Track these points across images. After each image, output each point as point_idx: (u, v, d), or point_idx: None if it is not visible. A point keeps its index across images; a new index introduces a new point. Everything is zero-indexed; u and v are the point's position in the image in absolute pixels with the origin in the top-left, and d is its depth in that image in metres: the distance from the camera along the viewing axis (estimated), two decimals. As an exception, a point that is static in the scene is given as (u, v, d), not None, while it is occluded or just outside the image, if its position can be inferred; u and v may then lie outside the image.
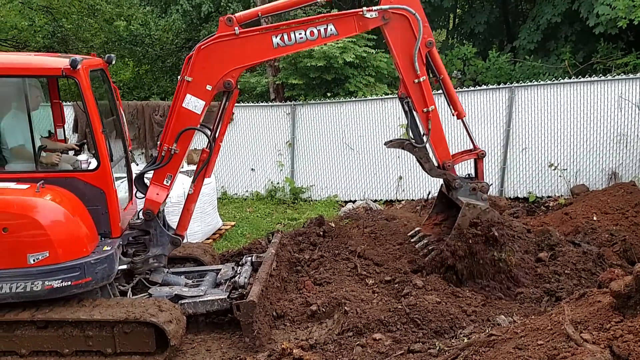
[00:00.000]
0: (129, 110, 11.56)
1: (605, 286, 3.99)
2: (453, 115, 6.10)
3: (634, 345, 3.21)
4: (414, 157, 6.24)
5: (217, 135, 5.67)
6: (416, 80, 5.80)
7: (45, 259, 4.74)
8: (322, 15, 5.69)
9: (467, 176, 6.35)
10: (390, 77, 12.76)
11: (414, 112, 6.00)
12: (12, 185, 4.90)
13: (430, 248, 6.33)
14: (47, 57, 5.61)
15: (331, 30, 5.49)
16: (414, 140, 6.08)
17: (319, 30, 5.46)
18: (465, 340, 4.54)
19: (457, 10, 19.25)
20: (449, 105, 6.11)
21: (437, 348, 4.54)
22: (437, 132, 6.02)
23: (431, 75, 6.02)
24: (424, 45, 5.71)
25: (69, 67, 4.80)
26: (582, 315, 3.78)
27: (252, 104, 11.69)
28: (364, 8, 5.55)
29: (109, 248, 5.10)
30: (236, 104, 11.56)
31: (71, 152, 5.90)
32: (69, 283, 4.81)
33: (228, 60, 5.32)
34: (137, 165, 10.40)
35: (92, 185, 5.12)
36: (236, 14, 5.39)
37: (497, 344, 3.92)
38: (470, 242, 5.77)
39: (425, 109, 5.90)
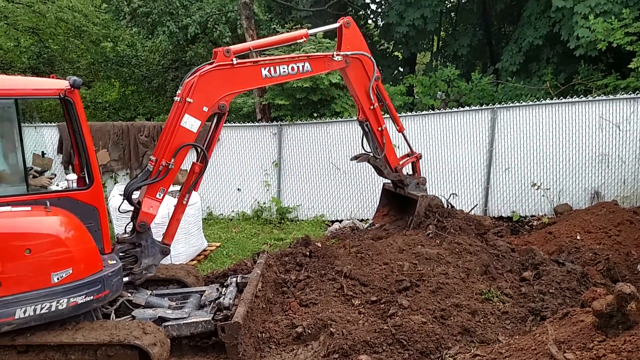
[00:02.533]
0: (114, 131, 11.53)
1: (588, 305, 4.03)
2: (398, 131, 8.29)
3: (617, 364, 3.23)
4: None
5: (207, 152, 6.21)
6: (371, 107, 7.66)
7: (68, 276, 4.77)
8: (302, 55, 7.22)
9: (406, 174, 8.33)
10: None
11: (371, 133, 7.84)
12: (11, 208, 4.81)
13: (383, 229, 8.46)
14: (39, 79, 5.63)
15: (307, 67, 6.87)
16: (373, 154, 8.00)
17: (297, 67, 6.78)
18: (451, 361, 4.54)
19: (441, 33, 19.57)
20: (393, 122, 8.25)
21: (423, 369, 4.53)
22: (388, 144, 8.01)
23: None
24: (374, 80, 7.53)
25: (70, 87, 4.95)
26: (566, 334, 3.81)
27: (238, 124, 11.71)
28: (334, 52, 7.20)
29: (115, 262, 5.25)
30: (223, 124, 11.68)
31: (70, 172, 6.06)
32: (92, 297, 4.89)
33: (224, 86, 6.11)
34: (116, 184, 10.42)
35: (85, 204, 5.19)
36: (232, 47, 6.22)
37: (482, 364, 3.93)
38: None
39: (379, 128, 7.82)
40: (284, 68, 6.62)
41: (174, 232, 6.15)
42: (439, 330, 5.31)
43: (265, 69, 6.46)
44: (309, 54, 7.11)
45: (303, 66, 6.81)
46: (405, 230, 7.76)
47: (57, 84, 5.13)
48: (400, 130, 8.20)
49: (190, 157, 6.50)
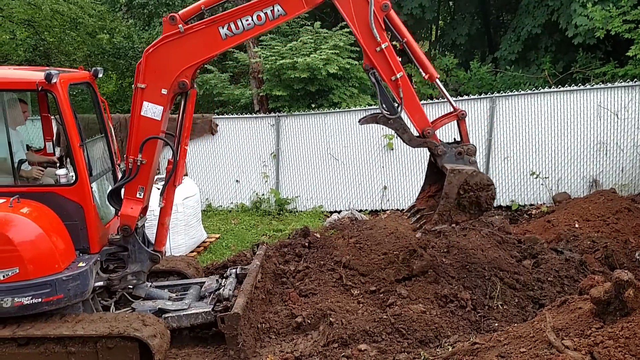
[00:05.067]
0: (111, 124, 11.48)
1: (586, 293, 4.04)
2: (424, 78, 5.67)
3: (615, 351, 3.25)
4: (398, 165, 6.14)
5: (181, 138, 5.52)
6: (378, 49, 5.31)
7: (14, 275, 4.67)
8: None
9: (453, 141, 5.90)
10: (373, 88, 12.84)
11: (381, 82, 5.53)
12: None
13: (422, 222, 5.94)
14: (24, 70, 5.55)
15: (278, 10, 5.14)
16: (387, 112, 5.57)
17: (265, 13, 5.13)
18: (450, 349, 4.56)
19: (439, 22, 19.48)
20: (419, 68, 5.62)
21: (422, 358, 4.56)
22: (410, 99, 5.49)
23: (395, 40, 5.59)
24: (379, 9, 5.22)
25: (44, 80, 4.76)
26: (564, 322, 3.83)
27: (236, 115, 11.69)
28: None
29: (83, 264, 5.00)
30: (220, 116, 11.68)
31: (57, 165, 5.84)
32: (40, 300, 4.73)
33: (178, 60, 5.14)
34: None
35: (70, 200, 5.05)
36: (180, 12, 5.17)
37: (480, 352, 3.95)
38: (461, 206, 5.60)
39: (393, 77, 5.39)
40: (247, 20, 5.11)
41: (164, 238, 5.69)
42: (437, 319, 5.34)
43: (223, 27, 5.11)
44: None
45: (272, 10, 5.13)
46: (424, 224, 5.88)
47: (32, 76, 4.96)
48: (432, 78, 5.54)
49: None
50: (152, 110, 5.18)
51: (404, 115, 5.56)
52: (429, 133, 5.59)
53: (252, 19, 5.13)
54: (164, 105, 5.17)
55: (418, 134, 5.66)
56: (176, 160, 5.42)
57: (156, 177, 6.17)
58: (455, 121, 5.74)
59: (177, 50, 5.13)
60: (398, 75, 5.39)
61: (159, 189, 5.70)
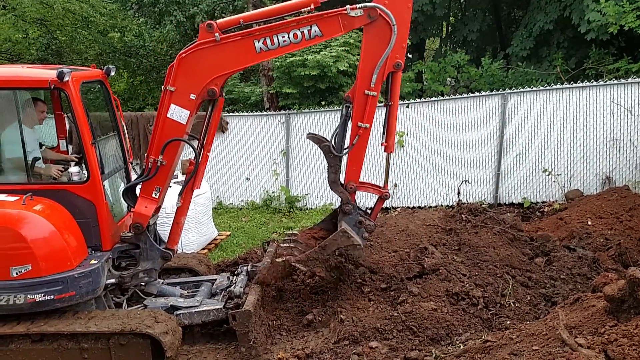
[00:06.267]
0: (123, 121, 11.56)
1: (600, 290, 4.01)
2: (382, 145, 5.71)
3: (629, 349, 3.22)
4: (408, 162, 6.13)
5: (204, 144, 5.57)
6: (366, 92, 5.41)
7: (27, 272, 4.71)
8: (305, 16, 5.26)
9: (363, 210, 5.92)
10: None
11: (349, 119, 5.61)
12: (2, 197, 4.89)
13: (290, 252, 5.91)
14: (37, 69, 5.59)
15: (315, 31, 5.20)
16: (333, 147, 5.69)
17: (302, 33, 5.19)
18: (461, 347, 4.55)
19: (450, 19, 19.37)
20: (383, 134, 5.71)
21: (434, 355, 4.55)
22: (359, 151, 5.60)
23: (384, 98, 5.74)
24: (391, 64, 5.33)
25: (57, 79, 4.79)
26: (577, 320, 3.80)
27: (246, 113, 11.71)
28: (348, 7, 5.19)
29: (95, 262, 5.03)
30: (230, 114, 11.71)
31: (72, 164, 5.85)
32: (52, 297, 4.77)
33: (210, 68, 5.19)
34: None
35: (82, 198, 5.09)
36: (218, 21, 5.22)
37: (492, 350, 3.93)
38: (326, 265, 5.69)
39: (360, 124, 5.49)
40: (284, 36, 5.16)
41: (177, 237, 5.76)
42: (449, 316, 5.32)
43: (259, 41, 5.13)
44: (318, 13, 5.35)
45: (309, 30, 5.18)
46: (290, 255, 5.78)
47: (44, 74, 4.99)
48: (388, 150, 5.68)
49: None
50: (178, 113, 5.23)
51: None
52: (351, 188, 5.69)
53: (289, 37, 5.19)
54: (190, 109, 5.23)
55: (341, 183, 5.74)
56: (197, 164, 5.47)
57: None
58: (377, 197, 5.85)
59: (211, 57, 5.17)
60: (364, 125, 5.50)
61: (170, 186, 5.72)
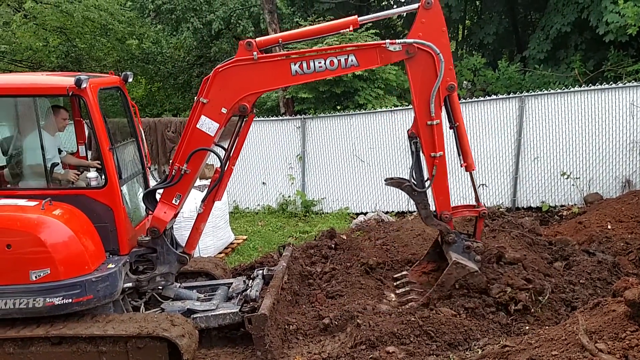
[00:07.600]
0: (141, 127, 11.70)
1: (620, 295, 3.94)
2: (462, 166, 5.78)
3: (650, 355, 3.16)
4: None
5: (229, 157, 5.67)
6: (429, 122, 5.48)
7: (46, 276, 4.77)
8: (344, 45, 5.48)
9: (465, 233, 5.98)
10: (399, 89, 12.79)
11: (421, 154, 5.71)
12: (22, 202, 4.97)
13: (409, 297, 6.03)
14: (56, 76, 5.67)
15: (352, 61, 5.31)
16: (415, 184, 5.76)
17: (339, 60, 5.29)
18: (480, 352, 4.50)
19: (466, 22, 19.30)
20: (459, 155, 5.79)
21: (451, 360, 4.51)
22: (440, 180, 5.67)
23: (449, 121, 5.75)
24: (444, 88, 5.40)
25: (75, 86, 4.87)
26: (597, 324, 3.74)
27: (262, 118, 11.76)
28: (387, 41, 5.32)
29: (113, 266, 5.08)
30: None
31: (93, 170, 5.92)
32: (70, 300, 4.82)
33: (244, 85, 5.30)
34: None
35: (100, 203, 5.16)
36: (257, 39, 5.33)
37: (511, 355, 3.89)
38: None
39: (433, 154, 5.58)
40: (320, 62, 5.24)
41: (195, 242, 5.80)
42: (467, 322, 5.27)
43: (295, 64, 5.23)
44: (356, 44, 5.56)
45: (346, 59, 5.26)
46: (411, 299, 5.92)
47: (63, 81, 5.06)
48: (469, 168, 5.72)
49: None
50: (208, 125, 5.32)
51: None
52: (446, 217, 5.73)
53: (325, 63, 5.28)
54: (220, 123, 5.33)
55: (435, 214, 5.79)
56: (221, 176, 5.53)
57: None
58: (475, 217, 5.86)
59: (246, 75, 5.28)
60: (438, 154, 5.57)
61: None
